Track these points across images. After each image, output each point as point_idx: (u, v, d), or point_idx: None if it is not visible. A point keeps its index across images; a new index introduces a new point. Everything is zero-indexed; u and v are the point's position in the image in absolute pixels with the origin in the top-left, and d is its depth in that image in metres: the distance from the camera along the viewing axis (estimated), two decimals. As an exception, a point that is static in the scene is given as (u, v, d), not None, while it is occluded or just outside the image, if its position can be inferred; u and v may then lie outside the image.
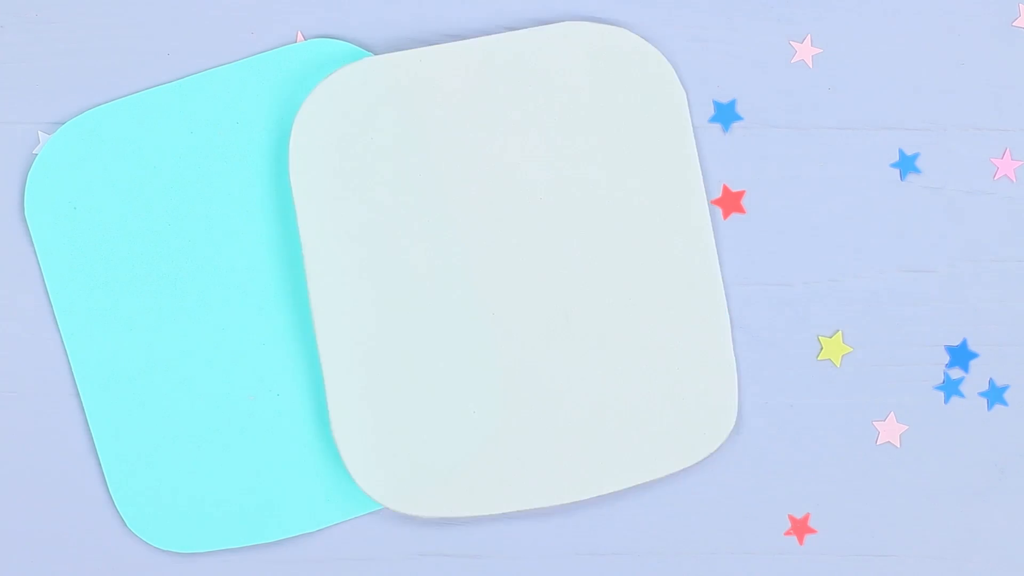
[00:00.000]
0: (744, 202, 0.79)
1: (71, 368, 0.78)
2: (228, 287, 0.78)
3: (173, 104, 0.78)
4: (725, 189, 0.79)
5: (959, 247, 0.79)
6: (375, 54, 0.78)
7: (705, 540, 0.79)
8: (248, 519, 0.78)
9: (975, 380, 0.79)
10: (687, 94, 0.79)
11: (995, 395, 0.79)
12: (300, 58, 0.78)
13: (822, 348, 0.79)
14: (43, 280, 0.78)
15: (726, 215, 0.79)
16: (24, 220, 0.78)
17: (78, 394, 0.78)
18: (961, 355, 0.79)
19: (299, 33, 0.78)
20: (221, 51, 0.78)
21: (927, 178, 0.79)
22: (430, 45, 0.78)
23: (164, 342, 0.77)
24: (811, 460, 0.79)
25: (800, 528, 0.79)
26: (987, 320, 0.79)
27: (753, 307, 0.79)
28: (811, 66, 0.79)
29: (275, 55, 0.78)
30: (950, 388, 0.79)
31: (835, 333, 0.79)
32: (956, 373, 0.79)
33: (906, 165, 0.79)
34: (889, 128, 0.79)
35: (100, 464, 0.78)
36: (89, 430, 0.78)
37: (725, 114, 0.79)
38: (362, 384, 0.76)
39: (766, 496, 0.79)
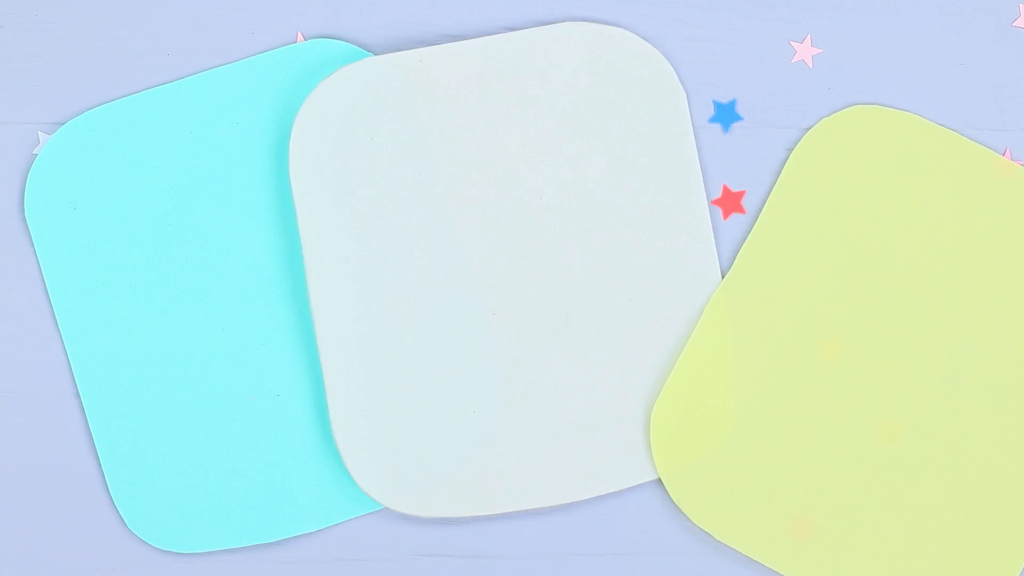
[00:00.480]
0: (744, 202, 0.79)
1: (71, 368, 0.78)
2: (228, 287, 0.78)
3: (173, 104, 0.78)
4: (725, 189, 0.79)
5: (959, 247, 0.79)
6: (375, 54, 0.78)
7: (705, 540, 0.79)
8: (248, 519, 0.78)
9: (975, 380, 0.79)
10: (687, 94, 0.79)
11: (995, 395, 0.79)
12: (300, 58, 0.78)
13: (822, 348, 0.79)
14: (43, 280, 0.78)
15: (726, 215, 0.79)
16: (24, 220, 0.78)
17: (78, 394, 0.78)
18: (961, 355, 0.79)
19: (299, 33, 0.78)
20: (221, 51, 0.78)
21: (927, 178, 0.79)
22: (430, 45, 0.78)
23: (164, 342, 0.77)
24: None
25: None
26: (987, 320, 0.79)
27: (753, 307, 0.79)
28: (811, 66, 0.79)
29: (275, 55, 0.78)
30: (950, 388, 0.79)
31: (835, 333, 0.79)
32: (956, 373, 0.79)
33: (906, 165, 0.79)
34: (889, 128, 0.79)
35: (100, 464, 0.78)
36: (89, 430, 0.78)
37: (725, 114, 0.79)
38: (362, 384, 0.76)
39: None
